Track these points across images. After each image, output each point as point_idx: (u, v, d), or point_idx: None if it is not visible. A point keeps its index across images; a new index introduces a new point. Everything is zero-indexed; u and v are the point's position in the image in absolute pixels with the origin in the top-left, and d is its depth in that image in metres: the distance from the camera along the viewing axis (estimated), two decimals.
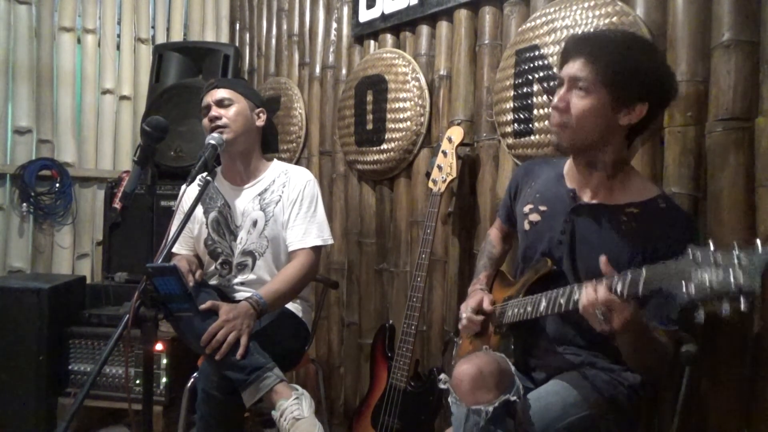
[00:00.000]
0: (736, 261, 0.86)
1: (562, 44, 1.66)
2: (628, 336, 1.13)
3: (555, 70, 1.70)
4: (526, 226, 1.44)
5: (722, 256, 0.88)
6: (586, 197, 1.34)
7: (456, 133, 1.91)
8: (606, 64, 1.21)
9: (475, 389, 1.19)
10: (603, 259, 1.10)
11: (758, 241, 0.86)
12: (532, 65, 1.77)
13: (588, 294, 1.08)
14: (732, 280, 0.85)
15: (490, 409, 1.16)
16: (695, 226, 1.30)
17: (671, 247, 1.18)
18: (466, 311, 1.45)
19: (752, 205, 1.32)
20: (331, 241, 1.97)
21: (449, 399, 1.26)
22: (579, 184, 1.35)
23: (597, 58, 1.22)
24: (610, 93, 1.22)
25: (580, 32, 1.40)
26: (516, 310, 1.34)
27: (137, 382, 2.23)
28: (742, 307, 0.85)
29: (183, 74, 2.87)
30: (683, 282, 0.91)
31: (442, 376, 1.33)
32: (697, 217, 1.42)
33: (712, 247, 0.91)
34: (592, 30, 1.38)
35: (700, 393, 1.38)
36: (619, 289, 1.04)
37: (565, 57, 1.29)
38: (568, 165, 1.41)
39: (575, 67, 1.24)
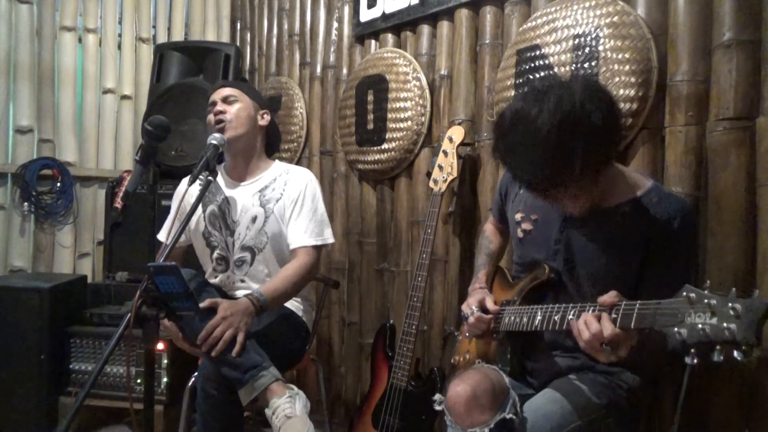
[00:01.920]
0: (731, 310, 0.83)
1: (564, 44, 1.67)
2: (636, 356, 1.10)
3: (556, 70, 1.70)
4: (520, 234, 1.43)
5: (717, 302, 0.85)
6: None
7: (457, 133, 1.91)
8: (584, 174, 1.12)
9: (469, 411, 1.19)
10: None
11: (756, 291, 0.83)
12: (533, 65, 1.77)
13: (591, 328, 1.05)
14: (726, 330, 0.83)
15: (486, 430, 1.16)
16: (688, 210, 1.25)
17: (667, 238, 1.19)
18: (470, 310, 1.43)
19: (753, 204, 1.32)
20: (331, 240, 1.97)
21: (445, 419, 1.26)
22: None
23: (574, 179, 1.12)
24: (589, 180, 1.16)
25: (526, 155, 1.13)
26: (513, 318, 1.33)
27: (138, 381, 2.23)
28: (737, 357, 0.82)
29: (184, 74, 2.87)
30: (675, 324, 0.90)
31: (437, 396, 1.33)
32: (697, 217, 1.42)
33: (707, 288, 0.89)
34: (532, 145, 1.10)
35: (701, 392, 1.37)
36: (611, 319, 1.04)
37: (534, 191, 1.21)
38: None
39: (562, 193, 1.19)
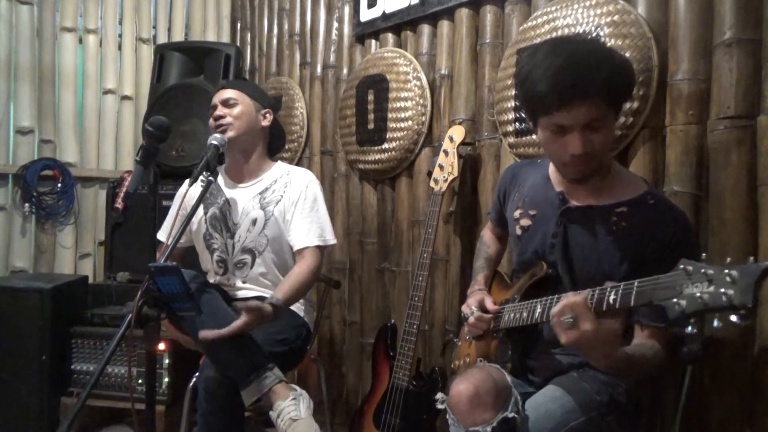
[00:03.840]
0: (727, 277, 0.84)
1: None
2: (613, 366, 1.14)
3: None
4: (518, 231, 1.43)
5: (714, 271, 0.87)
6: (575, 200, 1.32)
7: (457, 133, 1.91)
8: (615, 95, 1.19)
9: (472, 409, 1.19)
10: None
11: (751, 258, 0.85)
12: None
13: (565, 299, 1.08)
14: (723, 295, 0.84)
15: (489, 429, 1.16)
16: (686, 220, 1.26)
17: (663, 243, 1.19)
18: (470, 310, 1.44)
19: (754, 203, 1.32)
20: (333, 242, 1.97)
21: (447, 418, 1.26)
22: (566, 187, 1.34)
23: (605, 94, 1.17)
24: (616, 112, 1.24)
25: (565, 73, 1.16)
26: (512, 315, 1.34)
27: (139, 381, 2.23)
28: (735, 320, 0.84)
29: (184, 74, 2.87)
30: (675, 296, 0.91)
31: (439, 395, 1.33)
32: (698, 216, 1.42)
33: (703, 260, 0.90)
34: (567, 61, 1.16)
35: (703, 391, 1.37)
36: (611, 299, 1.05)
37: (561, 101, 1.16)
38: (553, 167, 1.39)
39: (586, 113, 1.17)
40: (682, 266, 0.91)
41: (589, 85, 1.15)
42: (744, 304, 0.82)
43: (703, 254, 0.92)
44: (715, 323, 0.86)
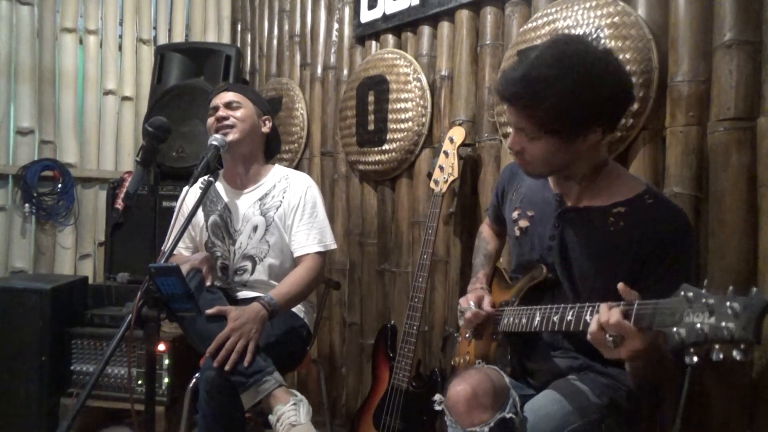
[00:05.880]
0: (729, 309, 0.81)
1: None
2: (640, 362, 1.09)
3: None
4: (517, 233, 1.43)
5: (715, 301, 0.84)
6: (572, 201, 1.31)
7: (457, 134, 1.91)
8: (542, 114, 1.15)
9: (470, 410, 1.19)
10: (621, 286, 1.02)
11: (754, 288, 0.82)
12: None
13: (600, 316, 1.02)
14: (725, 329, 0.81)
15: (486, 429, 1.16)
16: (685, 219, 1.24)
17: (662, 242, 1.17)
18: (468, 305, 1.43)
19: (754, 205, 1.32)
20: (333, 246, 1.97)
21: (445, 419, 1.26)
22: (563, 189, 1.33)
23: (531, 109, 1.16)
24: (556, 135, 1.18)
25: (509, 69, 1.21)
26: (511, 320, 1.33)
27: (139, 382, 2.23)
28: (736, 356, 0.81)
29: (185, 75, 2.87)
30: (674, 324, 0.89)
31: (437, 396, 1.33)
32: (698, 218, 1.42)
33: (705, 289, 0.87)
34: (521, 65, 1.18)
35: (703, 392, 1.37)
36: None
37: (501, 98, 1.24)
38: None
39: (514, 116, 1.21)
40: (682, 292, 0.89)
41: (516, 92, 1.18)
42: (745, 340, 0.79)
43: (705, 280, 0.89)
44: (715, 356, 0.83)
